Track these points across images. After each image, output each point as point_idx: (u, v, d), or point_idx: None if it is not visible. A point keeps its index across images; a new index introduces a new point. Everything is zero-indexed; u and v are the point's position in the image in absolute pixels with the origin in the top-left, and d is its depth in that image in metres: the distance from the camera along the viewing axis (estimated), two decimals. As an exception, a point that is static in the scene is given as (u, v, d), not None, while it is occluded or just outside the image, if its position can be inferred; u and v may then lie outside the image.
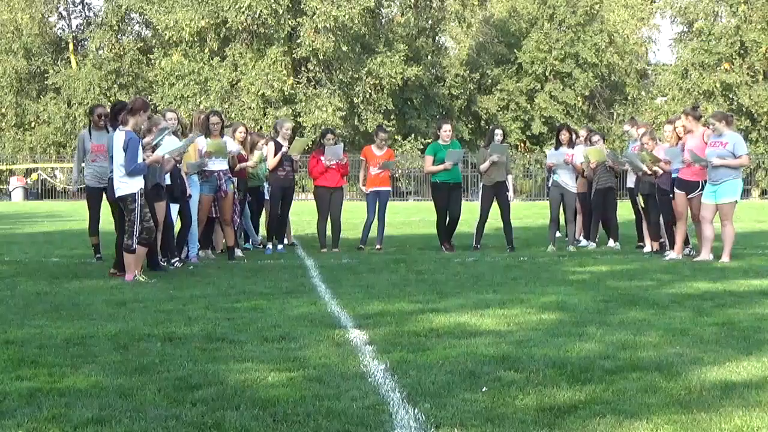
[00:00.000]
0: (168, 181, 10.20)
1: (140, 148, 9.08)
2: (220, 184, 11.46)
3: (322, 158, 12.87)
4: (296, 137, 13.50)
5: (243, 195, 12.37)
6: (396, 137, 42.17)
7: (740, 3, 43.29)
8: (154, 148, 9.68)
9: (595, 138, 13.98)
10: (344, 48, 40.02)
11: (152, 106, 36.64)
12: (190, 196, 10.91)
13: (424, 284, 8.93)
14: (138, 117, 9.19)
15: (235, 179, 11.82)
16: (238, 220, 12.28)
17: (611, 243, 13.59)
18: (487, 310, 7.06)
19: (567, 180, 13.13)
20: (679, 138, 11.63)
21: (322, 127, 15.81)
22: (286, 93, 40.80)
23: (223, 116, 12.47)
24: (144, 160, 9.23)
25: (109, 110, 10.46)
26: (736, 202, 11.21)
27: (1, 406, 4.13)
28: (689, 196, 11.29)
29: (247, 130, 13.10)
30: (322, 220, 13.08)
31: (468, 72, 45.81)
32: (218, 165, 11.46)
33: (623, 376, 4.73)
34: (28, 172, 42.14)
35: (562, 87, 45.56)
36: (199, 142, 11.28)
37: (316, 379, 4.68)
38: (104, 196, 10.47)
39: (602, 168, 13.43)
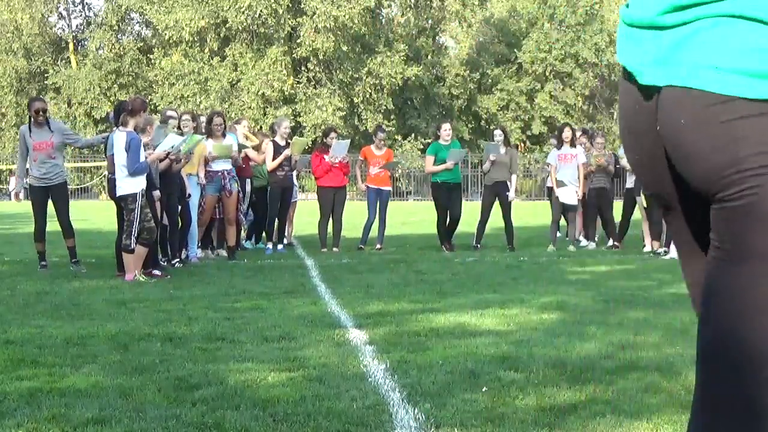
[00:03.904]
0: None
1: (141, 147, 9.13)
2: (225, 183, 11.47)
3: (326, 157, 12.87)
4: (296, 136, 13.46)
5: (248, 194, 12.50)
6: (396, 137, 42.18)
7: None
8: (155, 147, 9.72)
9: (599, 140, 14.00)
10: (344, 48, 40.04)
11: (151, 107, 36.74)
12: (190, 195, 10.91)
13: (424, 284, 8.93)
14: (138, 117, 9.28)
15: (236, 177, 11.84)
16: (243, 219, 12.30)
17: (611, 243, 13.60)
18: (487, 310, 7.05)
19: (571, 179, 13.14)
20: None
21: (323, 127, 15.77)
22: (286, 93, 40.82)
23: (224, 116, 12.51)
24: (146, 158, 9.27)
25: (115, 110, 10.31)
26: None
27: (1, 406, 4.12)
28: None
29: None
30: (324, 220, 13.09)
31: (468, 72, 45.81)
32: (222, 165, 11.47)
33: (623, 376, 4.72)
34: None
35: (562, 87, 45.57)
36: (206, 146, 11.29)
37: (316, 379, 4.67)
38: (49, 197, 10.35)
39: (596, 168, 13.49)
